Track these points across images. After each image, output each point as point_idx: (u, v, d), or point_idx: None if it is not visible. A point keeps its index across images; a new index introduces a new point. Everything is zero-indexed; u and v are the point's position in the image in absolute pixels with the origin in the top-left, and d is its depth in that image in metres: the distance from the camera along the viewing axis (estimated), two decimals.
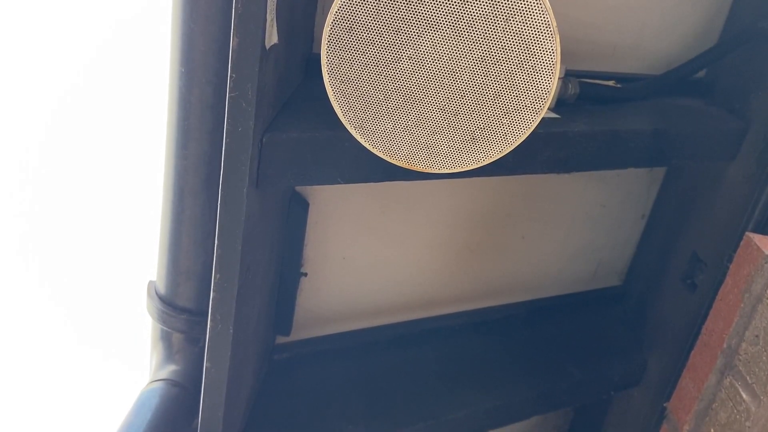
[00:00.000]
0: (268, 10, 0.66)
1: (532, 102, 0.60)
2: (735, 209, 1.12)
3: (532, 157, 0.91)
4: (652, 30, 1.16)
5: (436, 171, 0.65)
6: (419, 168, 0.65)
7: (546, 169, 0.96)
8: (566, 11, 1.06)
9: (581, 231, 1.37)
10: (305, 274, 1.10)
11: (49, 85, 1.03)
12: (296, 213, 1.03)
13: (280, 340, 1.14)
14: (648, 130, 1.03)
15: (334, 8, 0.58)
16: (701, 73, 1.21)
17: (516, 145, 0.63)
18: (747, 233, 1.02)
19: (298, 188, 1.04)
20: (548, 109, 0.75)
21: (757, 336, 0.93)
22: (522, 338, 1.32)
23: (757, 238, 0.99)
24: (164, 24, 0.83)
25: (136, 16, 0.98)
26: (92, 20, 0.98)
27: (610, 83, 1.11)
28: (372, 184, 1.00)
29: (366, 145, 0.65)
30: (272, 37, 0.70)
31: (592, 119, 1.00)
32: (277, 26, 0.71)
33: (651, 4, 1.13)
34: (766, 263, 0.94)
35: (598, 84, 1.07)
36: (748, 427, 0.93)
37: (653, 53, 1.19)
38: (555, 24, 0.56)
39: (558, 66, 0.58)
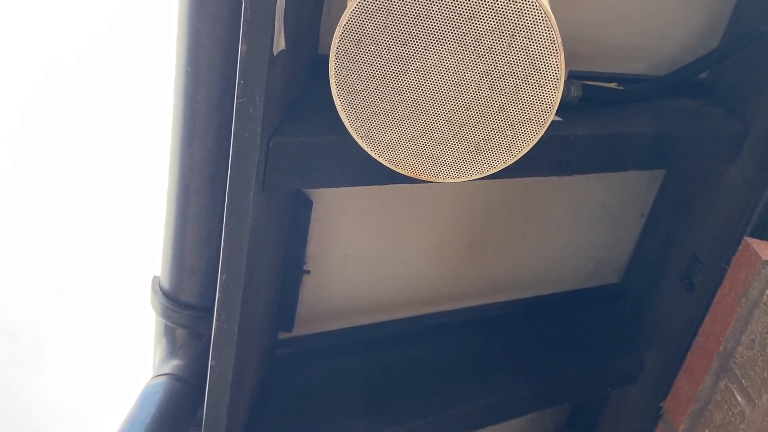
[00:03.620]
0: (276, 17, 0.67)
1: (536, 115, 0.61)
2: (734, 212, 1.13)
3: (535, 160, 0.91)
4: (654, 31, 1.16)
5: (441, 180, 0.66)
6: (424, 177, 0.66)
7: (548, 172, 0.97)
8: (569, 12, 1.06)
9: (581, 229, 1.38)
10: (308, 271, 1.11)
11: (54, 82, 1.03)
12: (300, 211, 1.04)
13: (283, 335, 1.15)
14: (649, 133, 1.03)
15: (342, 21, 0.59)
16: (703, 75, 1.22)
17: (520, 156, 0.64)
18: (745, 238, 1.03)
19: None
20: None
21: (753, 340, 0.95)
22: (521, 335, 1.33)
23: (756, 243, 1.00)
24: (171, 23, 0.83)
25: (142, 15, 0.99)
26: (99, 18, 0.99)
27: (612, 85, 1.11)
28: None
29: (372, 154, 0.66)
30: (280, 43, 0.70)
31: (594, 122, 1.00)
32: (285, 31, 0.71)
33: (654, 6, 1.14)
34: (763, 268, 0.95)
35: (601, 86, 1.08)
36: (743, 429, 0.94)
37: (656, 54, 1.19)
38: (560, 40, 0.57)
39: (562, 81, 0.58)
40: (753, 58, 1.13)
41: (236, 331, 0.81)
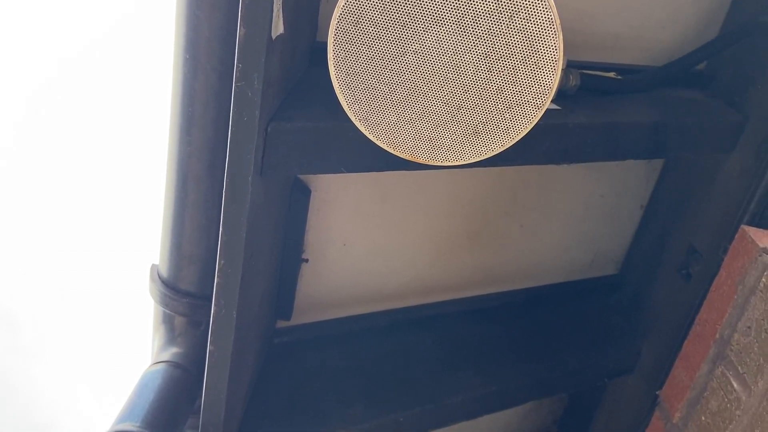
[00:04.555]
0: (275, 1, 0.67)
1: (534, 97, 0.61)
2: (731, 201, 1.14)
3: (532, 148, 0.92)
4: (653, 21, 1.16)
5: (439, 164, 0.66)
6: (422, 160, 0.66)
7: (545, 160, 0.97)
8: (568, 1, 1.06)
9: (579, 220, 1.39)
10: (306, 260, 1.11)
11: (51, 74, 1.03)
12: (298, 200, 1.04)
13: (281, 324, 1.16)
14: (647, 123, 1.03)
15: (341, 2, 0.59)
16: (702, 65, 1.22)
17: (518, 139, 0.64)
18: (742, 226, 1.03)
19: (301, 175, 1.05)
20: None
21: (749, 327, 0.95)
22: (519, 325, 1.34)
23: (753, 231, 1.00)
24: (169, 10, 0.83)
25: (141, 3, 0.99)
26: (99, 5, 0.99)
27: (611, 74, 1.11)
28: (373, 172, 1.01)
29: (370, 137, 0.66)
30: (278, 28, 0.70)
31: (593, 111, 1.01)
32: (283, 16, 0.71)
33: None
34: (760, 256, 0.95)
35: (599, 75, 1.08)
36: (738, 415, 0.95)
37: (655, 44, 1.19)
38: (558, 21, 0.57)
39: (561, 63, 0.59)
40: (751, 48, 1.13)
41: (235, 316, 0.81)
